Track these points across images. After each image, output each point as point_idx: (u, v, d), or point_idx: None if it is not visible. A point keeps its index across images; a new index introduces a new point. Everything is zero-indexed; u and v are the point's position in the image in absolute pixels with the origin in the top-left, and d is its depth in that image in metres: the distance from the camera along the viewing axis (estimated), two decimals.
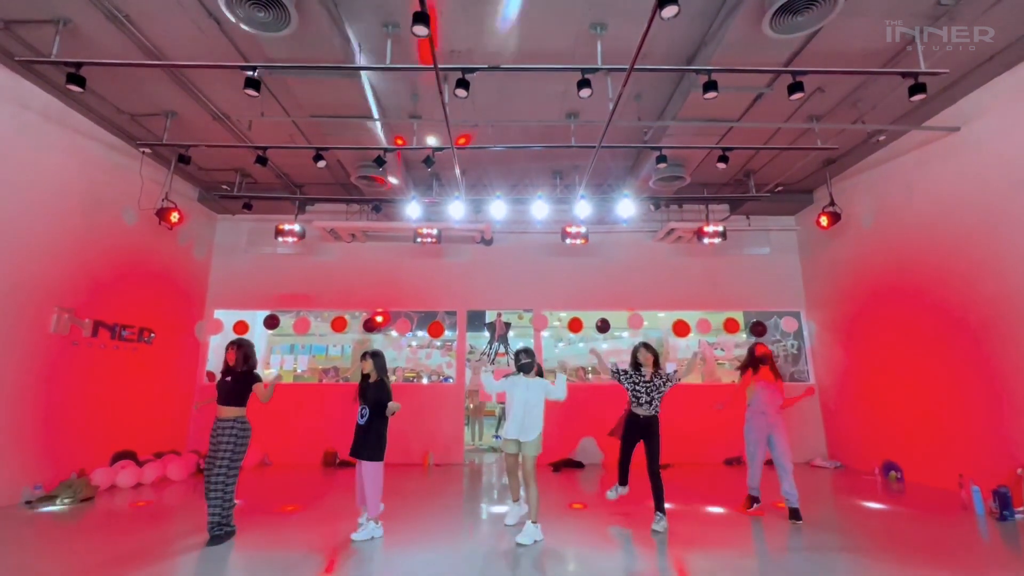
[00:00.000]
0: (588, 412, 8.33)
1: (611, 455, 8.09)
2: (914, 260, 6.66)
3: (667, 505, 4.67)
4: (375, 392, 4.42)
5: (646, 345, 4.82)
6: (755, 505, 5.10)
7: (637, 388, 4.71)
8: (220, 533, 4.12)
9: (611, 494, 4.92)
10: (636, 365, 4.82)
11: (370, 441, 4.31)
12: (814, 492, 6.24)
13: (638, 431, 4.69)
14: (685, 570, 3.65)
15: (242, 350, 4.39)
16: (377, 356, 4.55)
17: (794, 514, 4.76)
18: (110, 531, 4.61)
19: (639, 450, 4.70)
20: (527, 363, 4.53)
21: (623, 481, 4.84)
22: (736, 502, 5.36)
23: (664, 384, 4.68)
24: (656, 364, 4.76)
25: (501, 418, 9.95)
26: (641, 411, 4.67)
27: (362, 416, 4.37)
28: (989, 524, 4.67)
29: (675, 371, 4.84)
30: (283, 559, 3.82)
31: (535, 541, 4.15)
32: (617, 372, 4.83)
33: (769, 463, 5.22)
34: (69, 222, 6.22)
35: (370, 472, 4.29)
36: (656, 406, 4.67)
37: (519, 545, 4.08)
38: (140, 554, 3.90)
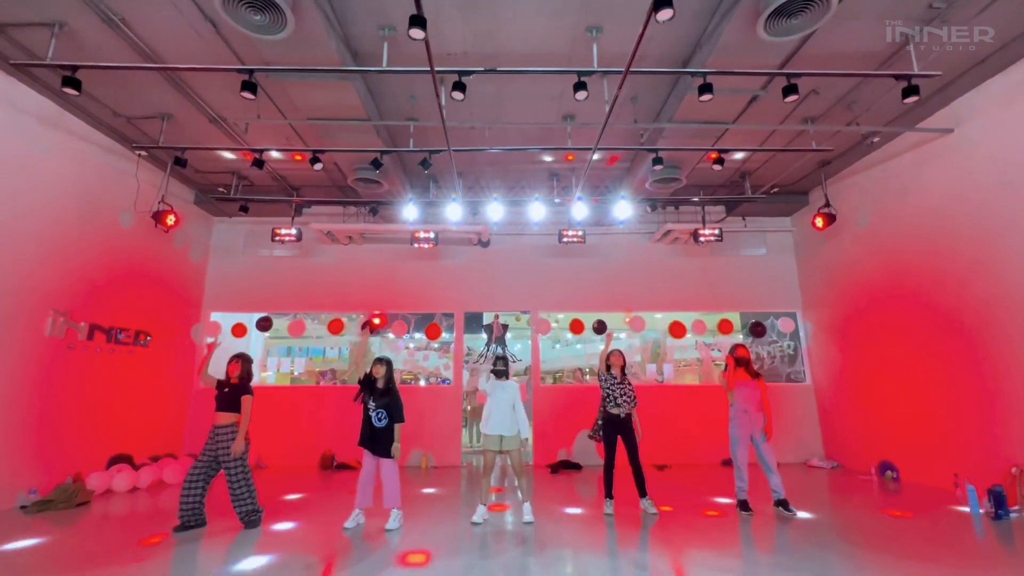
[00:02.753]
0: (588, 412, 8.35)
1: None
2: (909, 261, 6.70)
3: (665, 508, 5.08)
4: (390, 399, 4.79)
5: (618, 351, 5.43)
6: (748, 512, 5.00)
7: (612, 390, 5.25)
8: (256, 518, 4.65)
9: (608, 509, 5.08)
10: (608, 368, 5.38)
11: (388, 441, 4.70)
12: (811, 492, 6.26)
13: (617, 429, 5.20)
14: (683, 571, 3.66)
15: (245, 365, 4.83)
16: (390, 364, 4.94)
17: (784, 504, 4.97)
18: (106, 534, 4.59)
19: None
20: (501, 370, 5.07)
21: (610, 492, 5.12)
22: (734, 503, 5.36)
23: (631, 388, 5.30)
24: (623, 370, 5.36)
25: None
26: (619, 411, 5.18)
27: (379, 419, 4.70)
28: (984, 523, 4.69)
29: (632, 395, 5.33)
30: (283, 560, 3.81)
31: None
32: (600, 375, 5.42)
33: (752, 464, 5.23)
34: (65, 225, 6.20)
35: (390, 469, 4.70)
36: (630, 405, 5.21)
37: (527, 523, 4.70)
38: (138, 556, 3.88)
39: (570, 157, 6.82)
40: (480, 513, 4.84)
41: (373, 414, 4.72)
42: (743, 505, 5.07)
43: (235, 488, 4.59)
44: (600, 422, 5.37)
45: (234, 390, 4.72)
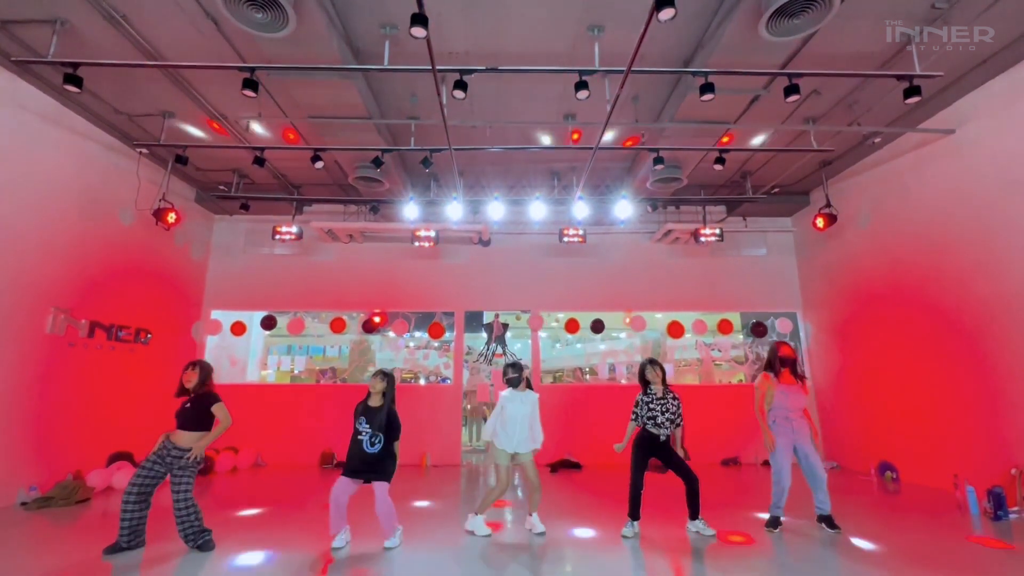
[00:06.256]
0: (587, 412, 8.35)
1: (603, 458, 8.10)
2: (909, 261, 6.70)
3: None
4: (388, 421, 4.12)
5: (652, 362, 4.72)
6: (778, 528, 4.52)
7: (652, 408, 4.54)
8: (206, 539, 4.03)
9: (627, 532, 4.39)
10: (645, 383, 4.68)
11: (385, 467, 4.07)
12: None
13: (655, 452, 4.54)
14: (682, 570, 3.66)
15: (203, 371, 4.20)
16: (391, 380, 4.26)
17: (830, 522, 4.45)
18: (106, 532, 4.59)
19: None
20: (514, 378, 4.52)
21: (636, 514, 4.44)
22: (736, 503, 5.35)
23: (677, 406, 4.61)
24: (664, 380, 4.66)
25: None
26: (660, 431, 4.51)
27: (372, 444, 4.01)
28: (984, 524, 4.69)
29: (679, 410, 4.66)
30: (281, 561, 3.81)
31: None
32: (635, 410, 4.65)
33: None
34: (66, 222, 6.20)
35: (384, 492, 4.03)
36: (673, 424, 4.56)
37: (541, 535, 4.40)
38: (136, 557, 3.89)
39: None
40: (478, 525, 4.41)
41: (365, 438, 4.01)
42: (773, 522, 4.53)
43: (183, 505, 3.91)
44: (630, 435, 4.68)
45: (197, 402, 4.09)
